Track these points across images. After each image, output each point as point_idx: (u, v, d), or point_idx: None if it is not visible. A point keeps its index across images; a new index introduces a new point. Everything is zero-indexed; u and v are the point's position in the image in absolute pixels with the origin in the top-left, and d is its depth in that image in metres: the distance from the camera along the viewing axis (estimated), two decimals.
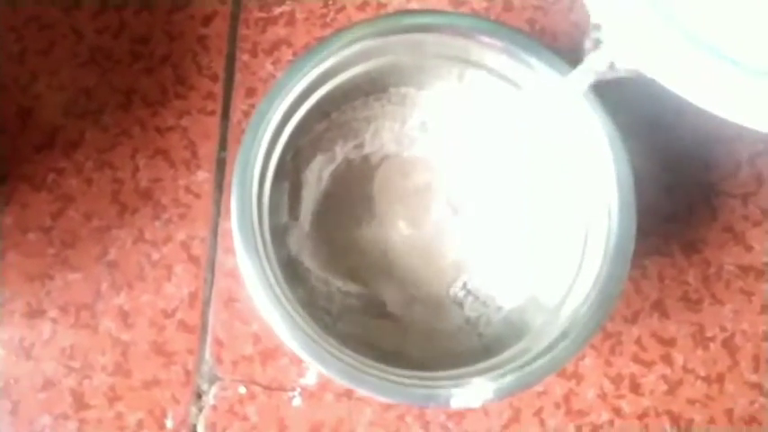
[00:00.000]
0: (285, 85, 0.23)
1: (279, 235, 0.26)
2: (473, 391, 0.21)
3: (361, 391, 0.21)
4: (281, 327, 0.22)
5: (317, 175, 0.26)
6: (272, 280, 0.22)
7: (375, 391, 0.21)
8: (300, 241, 0.27)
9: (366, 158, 0.27)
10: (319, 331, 0.22)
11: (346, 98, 0.27)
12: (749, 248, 0.30)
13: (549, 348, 0.21)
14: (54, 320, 0.27)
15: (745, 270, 0.30)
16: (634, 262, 0.30)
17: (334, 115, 0.27)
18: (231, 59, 0.30)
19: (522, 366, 0.21)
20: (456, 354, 0.25)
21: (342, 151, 0.27)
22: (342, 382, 0.21)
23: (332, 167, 0.27)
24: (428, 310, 0.26)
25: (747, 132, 0.31)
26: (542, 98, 0.24)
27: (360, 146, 0.27)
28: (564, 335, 0.22)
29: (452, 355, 0.25)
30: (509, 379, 0.21)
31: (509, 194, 0.27)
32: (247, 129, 0.22)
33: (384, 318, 0.26)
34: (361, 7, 0.31)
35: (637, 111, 0.31)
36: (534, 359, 0.21)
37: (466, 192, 0.27)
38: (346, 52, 0.23)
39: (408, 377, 0.22)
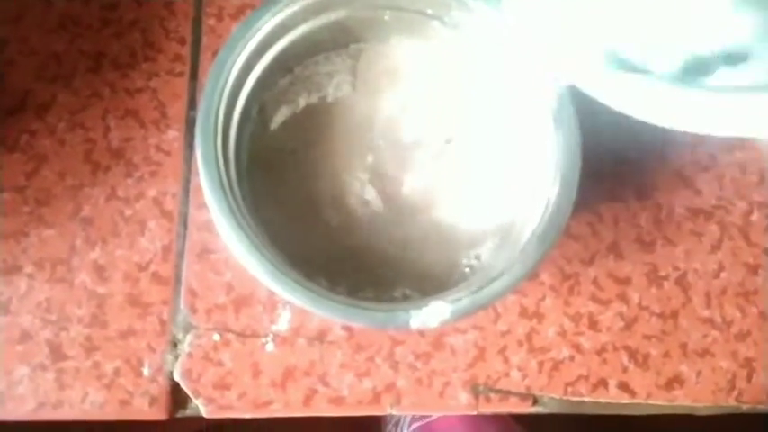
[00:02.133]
0: (242, 37, 0.24)
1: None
2: (431, 313, 0.22)
3: (327, 316, 0.22)
4: (247, 259, 0.22)
5: (281, 124, 0.28)
6: (239, 215, 0.23)
7: (339, 316, 0.22)
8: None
9: (328, 106, 0.29)
10: (286, 263, 0.23)
11: (308, 54, 0.28)
12: (698, 192, 0.32)
13: (500, 274, 0.23)
14: (30, 276, 0.28)
15: (695, 212, 0.31)
16: (590, 208, 0.31)
17: (297, 70, 0.28)
18: (198, 23, 0.31)
19: (476, 290, 0.22)
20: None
21: (305, 102, 0.28)
22: (308, 309, 0.22)
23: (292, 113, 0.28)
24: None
25: None
26: (483, 38, 0.26)
27: (323, 98, 0.28)
28: (513, 262, 0.23)
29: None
30: (464, 301, 0.22)
31: (469, 132, 0.28)
32: (209, 76, 0.23)
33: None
34: None
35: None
36: (487, 283, 0.22)
37: (429, 131, 0.28)
38: (301, 4, 0.24)
39: (370, 303, 0.23)
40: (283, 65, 0.27)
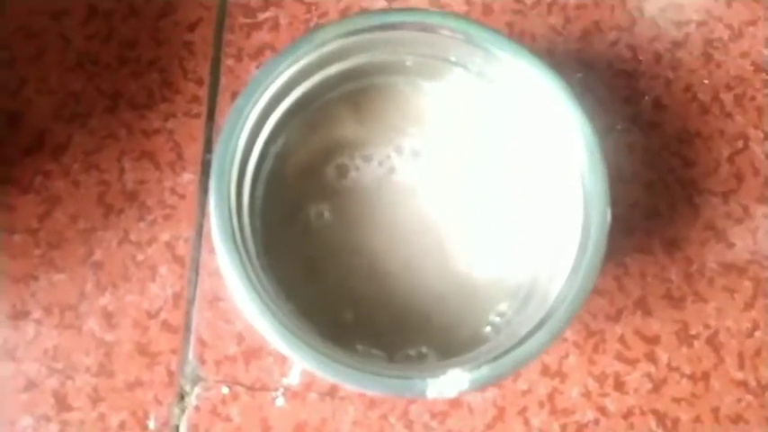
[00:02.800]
0: (262, 83, 0.23)
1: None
2: (448, 382, 0.21)
3: (338, 381, 0.21)
4: (258, 320, 0.22)
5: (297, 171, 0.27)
6: (252, 275, 0.22)
7: (351, 382, 0.21)
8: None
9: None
10: (295, 323, 0.22)
11: (322, 94, 0.27)
12: (731, 246, 0.30)
13: (523, 340, 0.21)
14: (38, 321, 0.27)
15: (727, 267, 0.30)
16: (616, 260, 0.30)
17: (311, 109, 0.27)
18: (216, 64, 0.31)
19: (496, 357, 0.21)
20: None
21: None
22: (318, 374, 0.21)
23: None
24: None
25: (728, 129, 0.32)
26: (515, 91, 0.25)
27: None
28: (538, 326, 0.22)
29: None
30: (484, 370, 0.21)
31: (490, 182, 0.27)
32: (225, 124, 0.23)
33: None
34: (344, 11, 0.31)
35: (617, 108, 0.31)
36: (509, 350, 0.21)
37: (454, 179, 0.28)
38: (322, 50, 0.24)
39: (386, 369, 0.22)
40: (300, 108, 0.27)
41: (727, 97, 0.32)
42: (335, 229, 0.27)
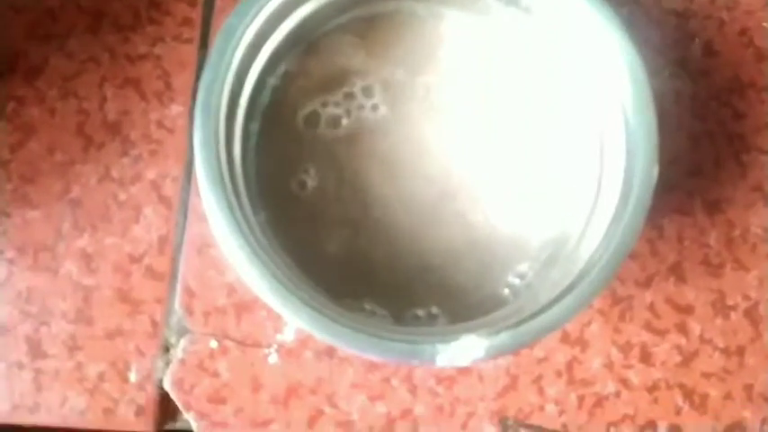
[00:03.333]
0: (257, 1, 0.20)
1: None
2: (462, 349, 0.18)
3: (337, 345, 0.18)
4: (249, 272, 0.19)
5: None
6: (239, 216, 0.19)
7: (351, 345, 0.18)
8: None
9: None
10: (295, 278, 0.20)
11: (329, 19, 0.24)
12: None
13: (549, 306, 0.19)
14: (11, 261, 0.25)
15: None
16: (651, 221, 0.27)
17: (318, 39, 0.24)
18: None
19: (517, 324, 0.19)
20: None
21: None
22: (318, 336, 0.18)
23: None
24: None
25: None
26: (553, 22, 0.22)
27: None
28: (566, 291, 0.19)
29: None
30: (503, 336, 0.18)
31: (519, 125, 0.24)
32: (213, 47, 0.20)
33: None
34: None
35: (665, 51, 0.28)
36: (532, 317, 0.19)
37: (476, 122, 0.24)
38: None
39: (392, 332, 0.19)
40: (304, 35, 0.23)
41: None
42: (340, 178, 0.24)
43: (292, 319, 0.19)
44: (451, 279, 0.23)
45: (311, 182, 0.24)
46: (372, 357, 0.20)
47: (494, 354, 0.18)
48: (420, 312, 0.23)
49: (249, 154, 0.23)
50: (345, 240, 0.23)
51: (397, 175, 0.24)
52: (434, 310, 0.23)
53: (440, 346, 0.18)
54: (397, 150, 0.24)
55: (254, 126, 0.24)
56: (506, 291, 0.23)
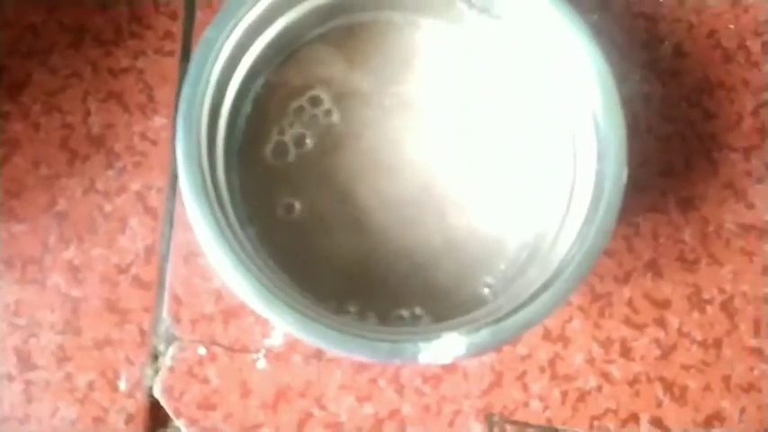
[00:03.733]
0: (235, 12, 0.20)
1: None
2: (443, 346, 0.19)
3: (319, 345, 0.19)
4: (234, 279, 0.19)
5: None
6: (226, 230, 0.20)
7: (334, 345, 0.19)
8: None
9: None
10: (278, 281, 0.20)
11: (307, 30, 0.24)
12: (751, 206, 0.28)
13: (526, 303, 0.19)
14: None
15: (746, 229, 0.28)
16: (626, 219, 0.28)
17: (297, 51, 0.25)
18: None
19: (496, 321, 0.19)
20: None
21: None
22: (298, 336, 0.19)
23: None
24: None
25: (753, 80, 0.29)
26: (524, 29, 0.22)
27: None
28: (542, 288, 0.20)
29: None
30: (483, 333, 0.19)
31: (493, 128, 0.25)
32: (193, 58, 0.20)
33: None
34: None
35: (633, 53, 0.29)
36: (510, 314, 0.19)
37: (453, 127, 0.25)
38: None
39: (374, 331, 0.20)
40: (284, 45, 0.24)
41: (754, 44, 0.29)
42: (322, 183, 0.24)
43: (278, 323, 0.19)
44: (433, 280, 0.23)
45: (295, 194, 0.24)
46: (357, 357, 0.20)
47: (475, 351, 0.19)
48: (404, 313, 0.23)
49: (232, 165, 0.24)
50: (329, 245, 0.24)
51: (379, 181, 0.24)
52: (418, 310, 0.23)
53: (422, 345, 0.19)
54: (377, 156, 0.24)
55: (237, 137, 0.24)
56: (486, 290, 0.23)
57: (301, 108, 0.25)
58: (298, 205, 0.24)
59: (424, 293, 0.23)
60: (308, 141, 0.25)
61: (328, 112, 0.25)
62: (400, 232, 0.24)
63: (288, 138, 0.25)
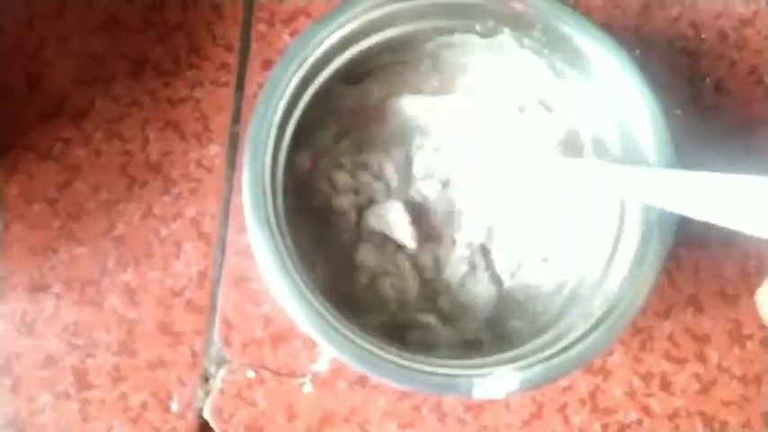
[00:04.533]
0: (300, 52, 0.21)
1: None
2: (497, 382, 0.19)
3: (376, 377, 0.19)
4: (294, 309, 0.20)
5: None
6: (286, 258, 0.21)
7: (390, 377, 0.19)
8: None
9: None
10: (334, 313, 0.21)
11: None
12: None
13: (579, 339, 0.20)
14: (58, 296, 0.26)
15: None
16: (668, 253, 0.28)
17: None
18: (247, 29, 0.29)
19: (549, 357, 0.20)
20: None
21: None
22: (356, 368, 0.19)
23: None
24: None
25: None
26: (575, 67, 0.23)
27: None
28: (596, 325, 0.20)
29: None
30: (536, 370, 0.19)
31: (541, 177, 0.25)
32: (260, 100, 0.21)
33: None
34: None
35: (676, 89, 0.29)
36: (563, 350, 0.20)
37: (490, 162, 0.26)
38: (368, 17, 0.22)
39: (428, 364, 0.20)
40: (347, 78, 0.25)
41: None
42: (372, 217, 0.25)
43: (335, 353, 0.20)
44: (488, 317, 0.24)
45: (343, 219, 0.25)
46: (410, 389, 0.21)
47: (527, 386, 0.19)
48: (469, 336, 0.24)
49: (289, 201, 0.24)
50: (373, 284, 0.25)
51: (425, 218, 0.25)
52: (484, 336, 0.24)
53: (476, 380, 0.19)
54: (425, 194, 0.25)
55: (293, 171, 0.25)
56: (538, 323, 0.24)
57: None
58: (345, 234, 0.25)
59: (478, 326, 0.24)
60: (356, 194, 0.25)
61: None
62: (448, 279, 0.24)
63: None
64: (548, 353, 0.20)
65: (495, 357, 0.21)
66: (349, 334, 0.20)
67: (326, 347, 0.20)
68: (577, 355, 0.20)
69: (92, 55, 0.28)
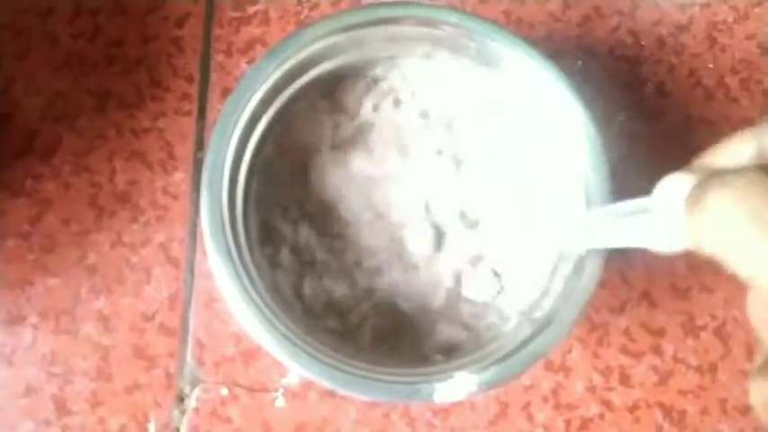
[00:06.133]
0: (253, 83, 0.22)
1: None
2: (456, 385, 0.20)
3: (342, 391, 0.20)
4: (256, 329, 0.21)
5: None
6: (246, 281, 0.22)
7: (356, 390, 0.20)
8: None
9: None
10: (296, 330, 0.22)
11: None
12: None
13: (532, 338, 0.21)
14: (35, 326, 0.27)
15: None
16: (620, 251, 0.29)
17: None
18: (206, 60, 0.30)
19: (504, 357, 0.21)
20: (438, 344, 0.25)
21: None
22: (322, 383, 0.20)
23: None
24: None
25: (733, 115, 0.31)
26: (513, 87, 0.24)
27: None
28: (547, 322, 0.21)
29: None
30: (492, 370, 0.20)
31: (491, 189, 0.27)
32: (215, 130, 0.22)
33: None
34: (336, 3, 0.30)
35: (618, 95, 0.30)
36: (517, 349, 0.21)
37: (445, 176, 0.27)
38: (314, 48, 0.23)
39: (389, 374, 0.21)
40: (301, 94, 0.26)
41: (732, 81, 0.31)
42: (335, 225, 0.26)
43: (299, 371, 0.20)
44: (439, 327, 0.25)
45: (308, 231, 0.26)
46: (376, 400, 0.22)
47: (486, 386, 0.20)
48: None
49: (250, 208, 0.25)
50: (340, 288, 0.26)
51: (387, 223, 0.26)
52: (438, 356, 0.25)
53: (437, 385, 0.20)
54: (388, 201, 0.26)
55: (256, 183, 0.26)
56: (492, 329, 0.25)
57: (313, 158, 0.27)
58: (313, 247, 0.26)
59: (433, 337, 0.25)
60: (318, 183, 0.26)
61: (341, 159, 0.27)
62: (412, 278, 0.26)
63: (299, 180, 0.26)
64: (502, 353, 0.21)
65: (454, 363, 0.22)
66: (311, 350, 0.21)
67: (292, 366, 0.21)
68: (529, 354, 0.21)
69: (58, 92, 0.29)
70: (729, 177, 0.14)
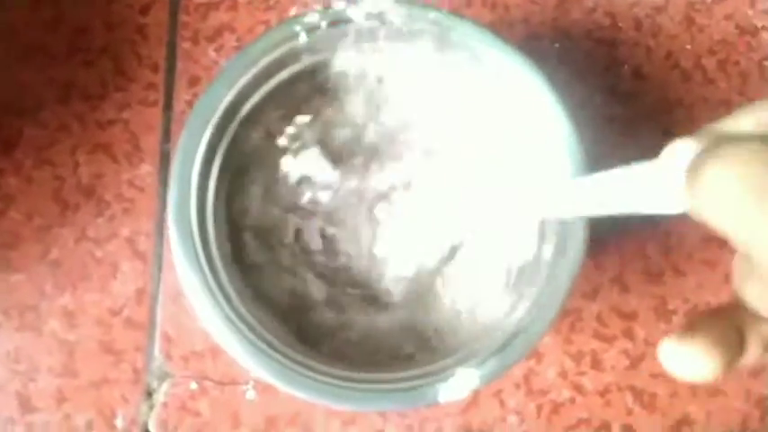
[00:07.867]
0: (228, 80, 0.22)
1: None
2: (459, 383, 0.20)
3: (337, 407, 0.20)
4: (227, 341, 0.21)
5: None
6: (213, 285, 0.21)
7: (356, 405, 0.20)
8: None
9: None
10: (266, 336, 0.22)
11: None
12: None
13: (520, 328, 0.21)
14: None
15: (706, 240, 0.29)
16: (593, 236, 0.29)
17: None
18: (172, 48, 0.29)
19: (499, 349, 0.20)
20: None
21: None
22: (309, 400, 0.20)
23: None
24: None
25: (711, 97, 0.31)
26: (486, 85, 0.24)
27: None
28: (535, 305, 0.21)
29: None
30: (491, 363, 0.20)
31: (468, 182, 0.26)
32: (185, 128, 0.21)
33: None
34: None
35: (595, 78, 0.30)
36: (510, 340, 0.21)
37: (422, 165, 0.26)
38: (299, 41, 0.22)
39: (382, 381, 0.21)
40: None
41: (709, 63, 0.31)
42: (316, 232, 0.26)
43: (281, 388, 0.20)
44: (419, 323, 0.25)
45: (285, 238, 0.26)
46: (381, 410, 0.21)
47: (487, 380, 0.20)
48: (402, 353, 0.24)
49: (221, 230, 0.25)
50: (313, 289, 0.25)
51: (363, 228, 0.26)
52: (410, 349, 0.24)
53: (439, 386, 0.20)
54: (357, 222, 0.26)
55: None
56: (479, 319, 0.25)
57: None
58: (287, 250, 0.25)
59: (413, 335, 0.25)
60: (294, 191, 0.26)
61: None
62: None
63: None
64: (495, 346, 0.21)
65: (451, 359, 0.21)
66: (293, 364, 0.21)
67: (277, 385, 0.20)
68: (523, 343, 0.20)
69: (19, 84, 0.28)
70: (726, 148, 0.14)
